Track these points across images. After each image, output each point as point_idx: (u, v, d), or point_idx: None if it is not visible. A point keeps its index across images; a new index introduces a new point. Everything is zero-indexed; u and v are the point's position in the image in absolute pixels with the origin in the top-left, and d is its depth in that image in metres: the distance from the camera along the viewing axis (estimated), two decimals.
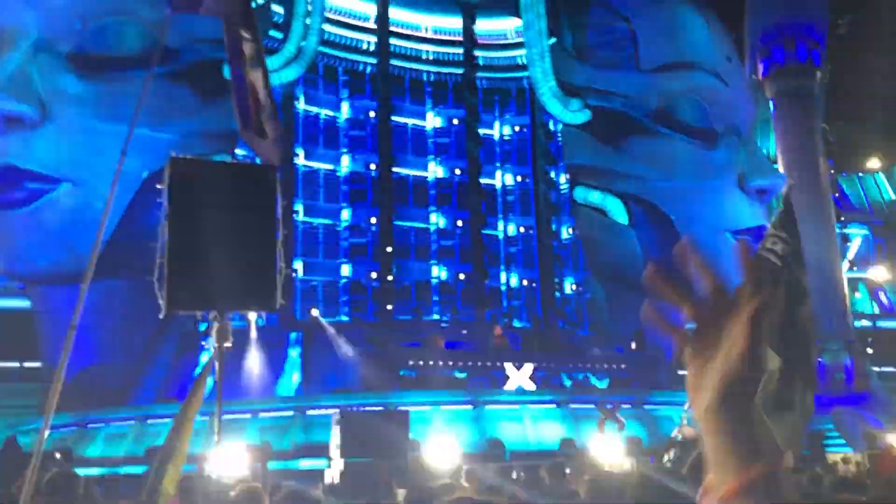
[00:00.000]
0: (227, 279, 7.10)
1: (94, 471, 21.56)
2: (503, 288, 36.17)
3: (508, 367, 26.26)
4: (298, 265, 32.73)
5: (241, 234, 7.23)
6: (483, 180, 35.49)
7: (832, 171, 42.31)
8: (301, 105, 33.70)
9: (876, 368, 38.29)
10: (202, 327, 27.16)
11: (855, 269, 43.97)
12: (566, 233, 36.73)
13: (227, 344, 7.62)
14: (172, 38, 25.09)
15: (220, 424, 8.16)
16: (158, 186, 8.03)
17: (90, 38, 25.46)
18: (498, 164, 37.14)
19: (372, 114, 34.75)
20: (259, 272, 7.31)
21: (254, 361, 26.38)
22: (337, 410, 21.34)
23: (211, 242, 7.05)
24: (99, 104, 24.92)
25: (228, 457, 10.52)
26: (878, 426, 31.48)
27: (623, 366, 28.95)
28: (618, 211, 33.06)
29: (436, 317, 34.02)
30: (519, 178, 37.20)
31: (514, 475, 15.81)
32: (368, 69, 34.97)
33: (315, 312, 30.31)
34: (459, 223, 35.30)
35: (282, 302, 8.03)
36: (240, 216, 7.31)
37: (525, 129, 37.20)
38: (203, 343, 25.28)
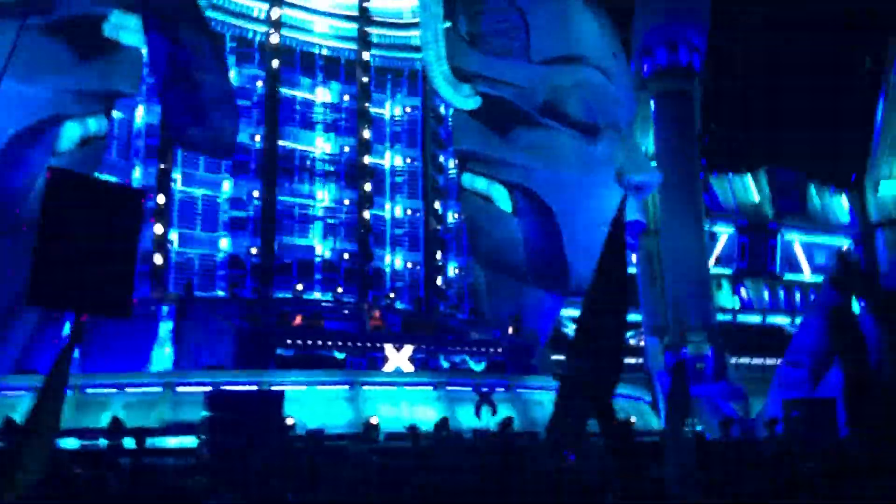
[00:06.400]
0: (86, 286, 8.06)
1: None
2: (387, 269, 36.09)
3: (388, 348, 26.27)
4: (174, 236, 31.50)
5: (105, 249, 8.21)
6: (372, 159, 35.21)
7: (704, 171, 44.42)
8: None
9: (733, 360, 40.65)
10: None
11: (720, 265, 46.49)
12: (452, 217, 36.97)
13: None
14: None
15: None
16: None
17: None
18: (388, 145, 36.89)
19: (259, 84, 33.78)
20: (116, 285, 8.36)
21: (123, 334, 25.29)
22: (209, 388, 20.83)
23: (75, 251, 7.99)
24: None
25: None
26: (732, 414, 33.50)
27: (499, 350, 29.48)
28: (502, 199, 33.56)
29: (317, 296, 33.54)
30: (408, 160, 37.10)
31: None
32: (258, 38, 33.95)
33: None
34: (346, 201, 34.90)
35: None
36: (105, 233, 8.25)
37: (416, 111, 37.12)
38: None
